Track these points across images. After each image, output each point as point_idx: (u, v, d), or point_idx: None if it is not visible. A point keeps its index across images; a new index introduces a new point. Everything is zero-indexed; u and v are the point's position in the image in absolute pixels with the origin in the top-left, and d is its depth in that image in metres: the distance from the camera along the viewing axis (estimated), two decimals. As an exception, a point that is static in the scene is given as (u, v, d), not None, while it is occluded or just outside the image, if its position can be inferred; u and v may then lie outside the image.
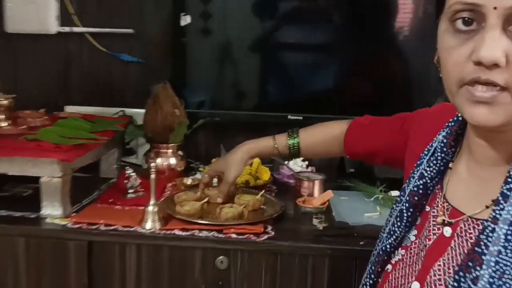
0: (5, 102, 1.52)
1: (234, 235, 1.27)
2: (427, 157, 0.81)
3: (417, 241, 0.79)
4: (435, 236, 0.76)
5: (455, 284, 0.67)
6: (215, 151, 1.81)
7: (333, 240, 1.27)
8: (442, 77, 0.70)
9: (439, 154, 0.80)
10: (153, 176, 1.28)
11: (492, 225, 0.65)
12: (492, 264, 0.63)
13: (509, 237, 0.64)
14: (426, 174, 0.80)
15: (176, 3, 1.79)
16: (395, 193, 1.54)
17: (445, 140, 0.80)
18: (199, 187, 1.47)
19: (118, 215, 1.35)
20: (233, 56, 1.81)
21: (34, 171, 1.32)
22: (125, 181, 1.50)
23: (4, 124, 1.52)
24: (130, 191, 1.49)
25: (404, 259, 0.80)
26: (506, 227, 0.65)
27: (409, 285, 0.76)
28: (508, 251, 0.63)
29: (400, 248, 0.81)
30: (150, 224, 1.29)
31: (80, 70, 1.94)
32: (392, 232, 0.81)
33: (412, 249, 0.79)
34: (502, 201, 0.66)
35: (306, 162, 1.75)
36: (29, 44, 1.93)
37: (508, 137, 0.69)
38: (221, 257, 1.27)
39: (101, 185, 1.60)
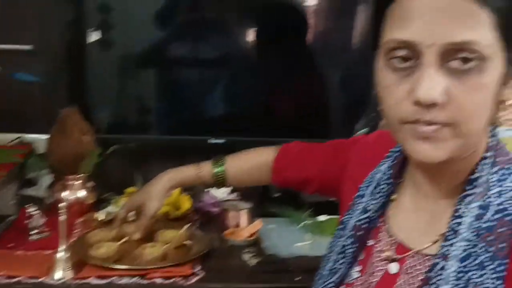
0: None
1: (159, 280, 1.16)
2: (371, 189, 0.78)
3: (360, 278, 0.75)
4: (380, 273, 0.73)
5: None
6: (128, 180, 1.66)
7: (268, 277, 1.22)
8: (382, 112, 0.66)
9: (383, 185, 0.77)
10: (62, 217, 1.14)
11: (442, 262, 0.63)
12: None
13: (460, 274, 0.62)
14: (370, 207, 0.76)
15: (78, 18, 1.64)
16: (322, 217, 1.52)
17: (389, 171, 0.77)
18: (114, 224, 1.32)
19: (21, 263, 1.20)
20: (145, 76, 1.69)
21: None
22: (27, 220, 1.35)
23: None
24: (33, 231, 1.35)
25: (348, 298, 0.75)
26: (458, 263, 0.62)
27: None
28: None
29: (342, 285, 0.77)
30: (61, 274, 1.15)
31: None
32: (334, 271, 0.77)
33: (356, 286, 0.75)
34: (451, 236, 0.64)
35: (230, 188, 1.65)
36: None
37: (452, 169, 0.67)
38: (146, 306, 1.14)
39: (-3, 226, 1.42)
